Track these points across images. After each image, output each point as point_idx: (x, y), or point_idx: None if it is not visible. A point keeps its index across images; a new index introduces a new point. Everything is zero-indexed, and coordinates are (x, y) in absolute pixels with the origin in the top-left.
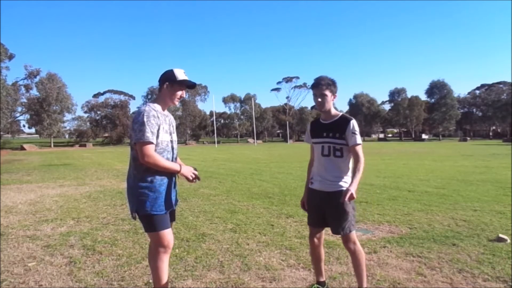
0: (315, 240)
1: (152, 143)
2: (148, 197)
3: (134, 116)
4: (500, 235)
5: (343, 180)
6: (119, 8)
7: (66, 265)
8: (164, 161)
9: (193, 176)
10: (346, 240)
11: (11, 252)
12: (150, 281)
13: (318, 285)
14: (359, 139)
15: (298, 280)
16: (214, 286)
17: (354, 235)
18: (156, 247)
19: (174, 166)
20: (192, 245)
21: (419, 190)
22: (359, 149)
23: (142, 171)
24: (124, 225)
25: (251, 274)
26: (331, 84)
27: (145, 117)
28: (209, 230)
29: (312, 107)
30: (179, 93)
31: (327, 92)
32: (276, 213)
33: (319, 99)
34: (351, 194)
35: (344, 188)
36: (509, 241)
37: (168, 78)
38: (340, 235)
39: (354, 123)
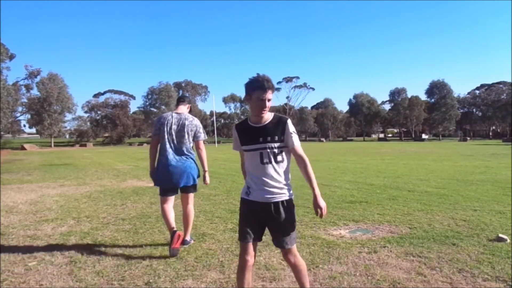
0: (248, 258)
1: None
2: (195, 169)
3: (196, 121)
4: (500, 235)
5: (287, 186)
6: (119, 8)
7: (67, 265)
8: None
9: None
10: (287, 253)
11: (12, 251)
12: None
13: None
14: (298, 138)
15: None
16: (214, 286)
17: (295, 247)
18: (192, 200)
19: (206, 164)
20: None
21: (419, 190)
22: (301, 149)
23: (191, 153)
24: (124, 225)
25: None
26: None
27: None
28: (209, 230)
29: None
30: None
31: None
32: None
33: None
34: (324, 208)
35: (290, 195)
36: (508, 241)
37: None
38: (282, 248)
39: (290, 122)
